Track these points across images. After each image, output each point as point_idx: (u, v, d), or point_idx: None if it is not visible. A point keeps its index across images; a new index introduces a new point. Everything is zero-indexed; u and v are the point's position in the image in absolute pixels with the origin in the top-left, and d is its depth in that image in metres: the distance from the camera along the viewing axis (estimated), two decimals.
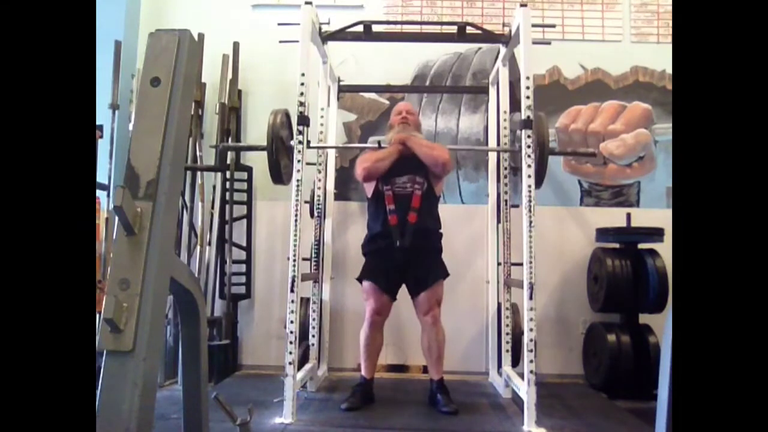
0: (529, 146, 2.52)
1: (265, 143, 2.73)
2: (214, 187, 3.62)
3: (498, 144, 3.29)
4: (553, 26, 3.47)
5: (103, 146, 3.35)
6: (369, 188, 2.89)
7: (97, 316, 1.11)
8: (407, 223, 2.73)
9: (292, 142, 2.75)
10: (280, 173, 2.79)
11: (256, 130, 3.78)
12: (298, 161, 2.55)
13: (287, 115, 2.84)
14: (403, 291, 2.82)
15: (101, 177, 3.28)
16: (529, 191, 2.49)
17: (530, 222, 2.47)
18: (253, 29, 3.77)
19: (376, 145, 2.87)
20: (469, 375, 3.41)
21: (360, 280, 2.82)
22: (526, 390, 2.37)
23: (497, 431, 2.40)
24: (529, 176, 2.50)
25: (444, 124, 3.74)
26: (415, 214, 2.74)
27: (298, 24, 2.67)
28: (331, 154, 3.52)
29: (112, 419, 0.98)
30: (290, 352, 2.44)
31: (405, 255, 2.72)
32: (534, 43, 2.59)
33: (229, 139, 3.57)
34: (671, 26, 3.53)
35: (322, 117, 3.31)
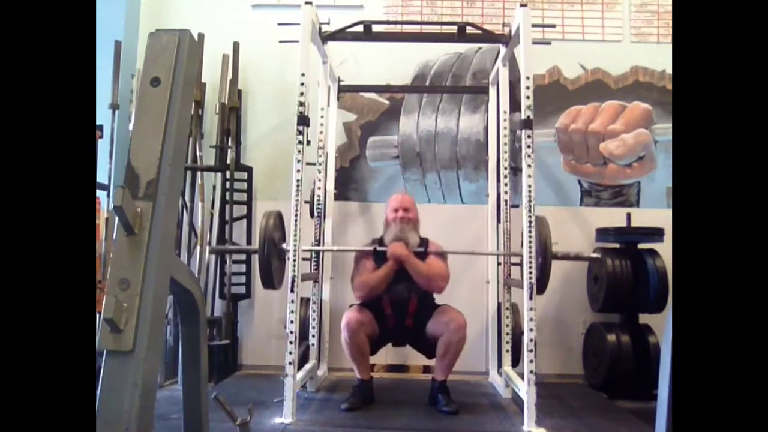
0: (529, 146, 2.52)
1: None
2: (214, 187, 3.62)
3: (498, 144, 3.29)
4: (553, 26, 3.46)
5: (103, 146, 3.35)
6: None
7: (97, 316, 1.11)
8: (404, 326, 2.79)
9: (284, 245, 2.70)
10: (272, 278, 2.66)
11: (255, 130, 3.78)
12: (298, 161, 2.55)
13: (280, 216, 2.75)
14: None
15: (101, 177, 3.28)
16: (529, 191, 2.49)
17: (530, 222, 2.47)
18: (253, 29, 3.77)
19: (372, 250, 2.78)
20: (469, 375, 3.41)
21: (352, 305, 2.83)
22: (526, 390, 2.37)
23: (497, 431, 2.40)
24: (529, 176, 2.50)
25: (444, 124, 3.74)
26: (411, 320, 2.78)
27: (298, 24, 2.67)
28: (331, 154, 3.52)
29: (112, 419, 0.98)
30: (290, 352, 2.44)
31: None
32: (534, 43, 2.59)
33: (229, 140, 3.57)
34: (671, 26, 3.53)
35: (322, 117, 3.31)
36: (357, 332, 2.67)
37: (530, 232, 2.46)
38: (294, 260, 2.51)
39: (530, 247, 2.45)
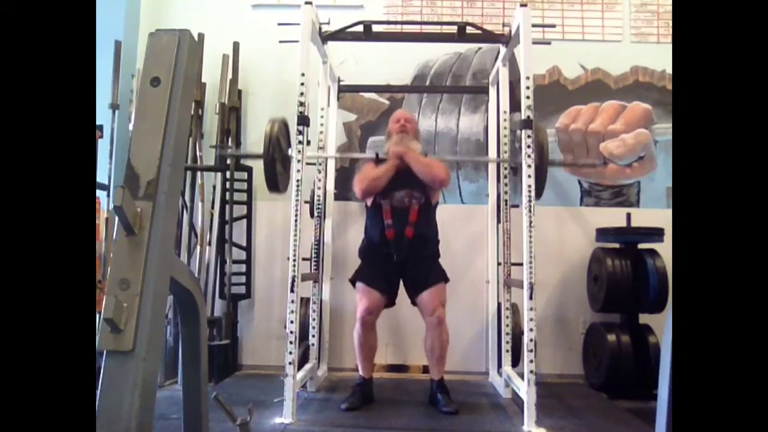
0: (529, 146, 2.52)
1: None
2: (214, 187, 3.62)
3: (498, 144, 3.29)
4: (553, 26, 3.47)
5: (103, 146, 3.35)
6: (368, 198, 2.90)
7: (97, 316, 1.11)
8: (404, 237, 2.76)
9: (289, 151, 2.75)
10: (276, 181, 2.76)
11: (256, 130, 3.78)
12: (298, 161, 2.55)
13: (285, 123, 2.81)
14: (403, 294, 2.82)
15: (101, 177, 3.28)
16: (529, 191, 2.49)
17: (530, 222, 2.47)
18: (253, 29, 3.77)
19: (374, 156, 2.86)
20: (469, 375, 3.41)
21: (353, 281, 2.83)
22: (526, 390, 2.37)
23: (497, 431, 2.40)
24: (529, 176, 2.50)
25: (444, 124, 3.74)
26: (412, 229, 2.77)
27: (298, 24, 2.67)
28: (331, 154, 3.52)
29: (112, 419, 0.98)
30: (290, 352, 2.44)
31: (402, 263, 2.76)
32: (534, 43, 2.59)
33: (229, 140, 3.57)
34: (671, 26, 3.53)
35: (322, 117, 3.31)
36: (370, 331, 2.73)
37: (530, 232, 2.46)
38: (294, 261, 2.51)
39: (530, 247, 2.45)
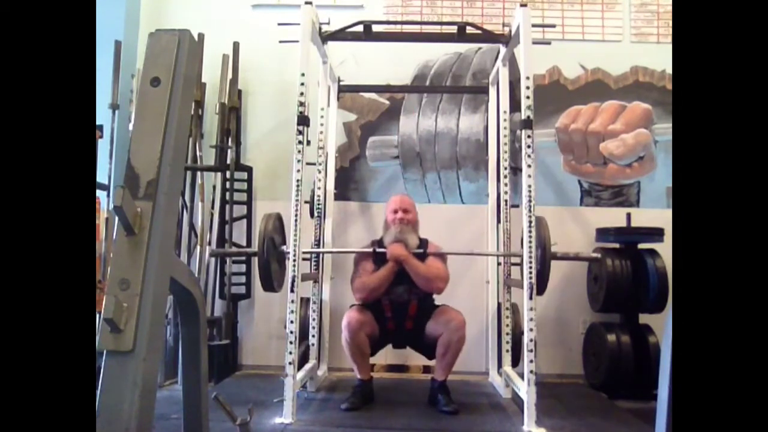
0: (529, 146, 2.52)
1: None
2: (214, 187, 3.62)
3: (498, 144, 3.29)
4: (553, 26, 3.46)
5: (103, 146, 3.35)
6: None
7: (97, 316, 1.11)
8: (404, 328, 2.78)
9: (283, 248, 2.71)
10: (271, 280, 2.67)
11: (255, 130, 3.78)
12: (298, 161, 2.55)
13: (279, 218, 2.76)
14: None
15: (101, 177, 3.28)
16: (529, 191, 2.48)
17: (530, 222, 2.46)
18: (253, 29, 3.77)
19: (372, 251, 2.80)
20: (469, 375, 3.40)
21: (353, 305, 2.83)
22: (526, 390, 2.37)
23: (497, 431, 2.40)
24: (529, 176, 2.50)
25: (444, 124, 3.74)
26: (411, 322, 2.78)
27: (298, 24, 2.67)
28: (331, 154, 3.52)
29: (112, 419, 0.98)
30: (290, 352, 2.44)
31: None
32: (534, 43, 2.59)
33: (229, 140, 3.57)
34: (671, 26, 3.53)
35: (322, 117, 3.31)
36: (357, 332, 2.67)
37: (530, 232, 2.46)
38: (294, 261, 2.51)
39: (530, 247, 2.45)
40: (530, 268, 2.44)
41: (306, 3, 2.68)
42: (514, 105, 3.15)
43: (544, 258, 2.55)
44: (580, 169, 3.70)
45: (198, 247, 3.47)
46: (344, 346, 2.72)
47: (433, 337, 2.71)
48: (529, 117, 2.52)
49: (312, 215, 3.25)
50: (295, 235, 2.52)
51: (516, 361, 3.04)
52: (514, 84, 3.18)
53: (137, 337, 1.02)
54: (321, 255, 3.22)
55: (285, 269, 2.70)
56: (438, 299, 2.86)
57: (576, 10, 3.78)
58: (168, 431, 2.10)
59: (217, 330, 3.38)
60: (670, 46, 3.64)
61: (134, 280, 1.04)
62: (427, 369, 3.37)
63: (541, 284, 2.55)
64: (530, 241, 2.46)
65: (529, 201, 2.48)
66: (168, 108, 1.14)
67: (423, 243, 2.85)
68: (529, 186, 2.49)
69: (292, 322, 2.47)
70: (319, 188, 3.26)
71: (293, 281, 2.49)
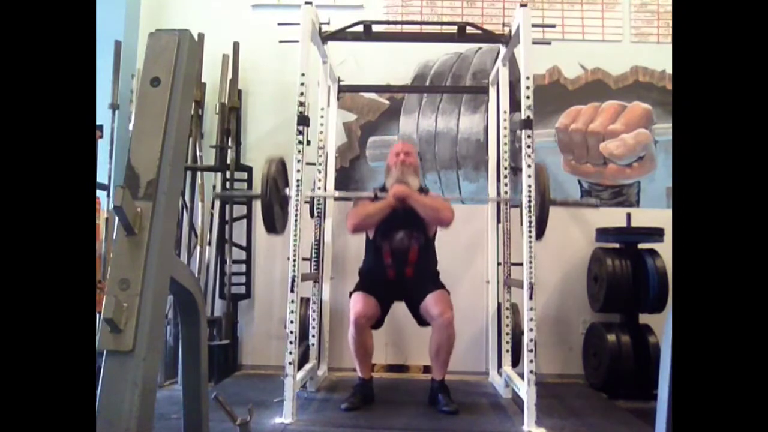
0: (529, 146, 2.52)
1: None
2: (214, 187, 3.62)
3: (498, 144, 3.29)
4: (553, 26, 3.46)
5: (103, 146, 3.35)
6: (369, 232, 2.89)
7: (97, 316, 1.11)
8: (404, 276, 2.79)
9: (287, 191, 2.71)
10: (274, 223, 2.68)
11: (256, 130, 3.78)
12: (298, 161, 2.55)
13: (282, 163, 2.77)
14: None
15: (101, 177, 3.28)
16: (529, 191, 2.48)
17: (530, 222, 2.46)
18: (253, 29, 3.77)
19: (373, 195, 2.81)
20: (469, 375, 3.41)
21: (351, 294, 2.84)
22: (526, 390, 2.37)
23: (497, 431, 2.40)
24: (529, 176, 2.49)
25: (444, 124, 3.74)
26: (412, 269, 2.79)
27: (298, 24, 2.67)
28: (331, 154, 3.52)
29: (112, 419, 0.98)
30: (290, 352, 2.44)
31: (402, 287, 2.80)
32: (534, 43, 2.59)
33: (229, 140, 3.57)
34: (671, 26, 3.53)
35: (322, 117, 3.31)
36: (364, 330, 2.70)
37: (530, 232, 2.46)
38: (294, 260, 2.51)
39: (530, 247, 2.45)
40: (530, 268, 2.44)
41: (306, 3, 2.68)
42: (514, 105, 3.15)
43: (543, 203, 2.63)
44: (580, 169, 3.70)
45: (198, 247, 3.47)
46: (350, 341, 2.74)
47: (425, 316, 2.74)
48: (529, 117, 2.52)
49: (312, 215, 3.26)
50: (295, 235, 2.52)
51: (516, 361, 3.04)
52: (514, 84, 3.17)
53: (137, 337, 1.02)
54: (321, 255, 3.23)
55: (287, 213, 2.72)
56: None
57: (576, 10, 3.78)
58: (168, 431, 2.10)
59: (217, 330, 3.38)
60: (670, 46, 3.64)
61: (134, 280, 1.04)
62: (427, 369, 3.37)
63: (540, 229, 2.61)
64: (530, 241, 2.46)
65: (529, 201, 2.48)
66: (168, 108, 1.14)
67: (424, 190, 2.91)
68: (529, 186, 2.49)
69: (292, 322, 2.47)
70: (319, 188, 3.26)
71: (293, 281, 2.49)
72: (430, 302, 2.71)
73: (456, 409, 2.60)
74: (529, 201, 2.48)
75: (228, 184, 3.54)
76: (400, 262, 2.79)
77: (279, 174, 2.72)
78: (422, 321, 2.80)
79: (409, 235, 2.78)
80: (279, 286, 3.55)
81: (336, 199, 3.48)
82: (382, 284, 2.81)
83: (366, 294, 2.76)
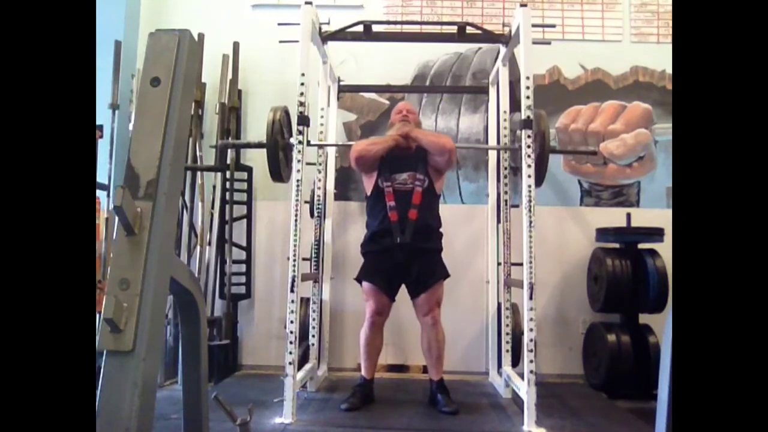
0: (529, 146, 2.52)
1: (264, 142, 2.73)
2: (214, 187, 3.62)
3: (498, 143, 3.29)
4: (553, 26, 3.46)
5: (103, 146, 3.35)
6: (368, 185, 2.87)
7: (97, 316, 1.11)
8: (408, 220, 2.70)
9: (291, 139, 2.75)
10: (279, 171, 2.79)
11: (256, 129, 3.77)
12: (298, 161, 2.55)
13: (286, 112, 2.84)
14: (403, 291, 2.82)
15: (101, 177, 3.28)
16: (529, 191, 2.49)
17: (530, 222, 2.47)
18: (253, 29, 3.77)
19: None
20: (469, 375, 3.41)
21: (359, 280, 2.82)
22: (526, 390, 2.37)
23: (497, 431, 2.40)
24: (529, 176, 2.50)
25: (444, 124, 3.74)
26: (415, 211, 2.72)
27: (298, 24, 2.67)
28: (331, 154, 3.52)
29: (112, 419, 0.98)
30: (290, 352, 2.44)
31: (405, 254, 2.70)
32: (534, 43, 2.59)
33: (229, 139, 3.57)
34: (671, 26, 3.53)
35: (322, 117, 3.31)
36: (380, 330, 2.76)
37: (530, 232, 2.46)
38: (294, 260, 2.51)
39: (530, 247, 2.45)
40: (530, 268, 2.44)
41: (306, 3, 2.68)
42: (514, 105, 3.15)
43: (543, 150, 2.71)
44: (580, 169, 3.70)
45: (198, 247, 3.47)
46: (361, 338, 2.77)
47: (416, 312, 2.77)
48: (529, 117, 2.53)
49: (312, 215, 3.26)
50: (295, 235, 2.52)
51: (516, 361, 3.04)
52: (514, 84, 3.18)
53: (137, 337, 1.02)
54: (321, 255, 3.22)
55: (290, 161, 2.77)
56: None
57: (576, 10, 3.78)
58: (168, 431, 2.10)
59: (217, 330, 3.38)
60: (670, 46, 3.64)
61: (134, 280, 1.04)
62: (427, 369, 3.37)
63: (539, 176, 2.69)
64: (530, 241, 2.46)
65: (529, 201, 2.48)
66: (168, 108, 1.14)
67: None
68: (529, 186, 2.49)
69: (292, 322, 2.47)
70: (319, 188, 3.26)
71: (293, 281, 2.49)
72: (422, 301, 2.72)
73: (456, 409, 2.60)
74: (529, 201, 2.48)
75: (228, 184, 3.55)
76: (403, 204, 2.72)
77: (283, 122, 2.80)
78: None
79: (413, 176, 2.77)
80: (279, 286, 3.55)
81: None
82: (388, 259, 2.72)
83: (377, 288, 2.73)
